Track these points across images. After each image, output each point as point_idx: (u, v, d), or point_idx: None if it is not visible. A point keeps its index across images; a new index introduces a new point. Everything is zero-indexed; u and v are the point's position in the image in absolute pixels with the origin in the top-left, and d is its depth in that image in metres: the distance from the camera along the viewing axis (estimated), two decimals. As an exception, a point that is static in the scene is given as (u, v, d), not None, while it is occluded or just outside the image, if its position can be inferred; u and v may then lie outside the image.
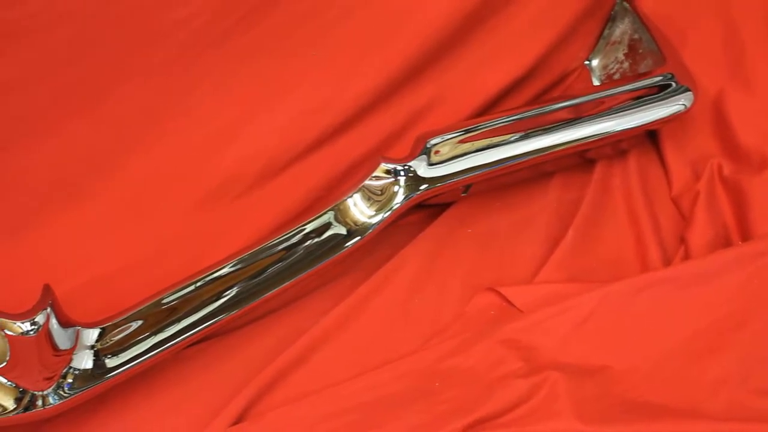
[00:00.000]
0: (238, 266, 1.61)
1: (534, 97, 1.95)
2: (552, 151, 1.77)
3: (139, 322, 1.55)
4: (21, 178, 1.66)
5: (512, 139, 1.75)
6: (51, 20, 1.57)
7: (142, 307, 1.56)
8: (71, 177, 1.69)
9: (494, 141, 1.74)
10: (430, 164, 1.69)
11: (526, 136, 1.75)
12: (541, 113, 1.78)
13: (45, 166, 1.67)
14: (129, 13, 1.63)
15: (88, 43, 1.62)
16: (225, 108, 1.74)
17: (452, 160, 1.70)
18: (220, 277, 1.60)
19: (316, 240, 1.64)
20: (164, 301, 1.57)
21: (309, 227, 1.64)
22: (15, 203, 1.66)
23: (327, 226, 1.65)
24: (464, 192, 1.78)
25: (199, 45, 1.68)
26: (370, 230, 1.65)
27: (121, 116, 1.68)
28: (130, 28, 1.63)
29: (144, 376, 1.59)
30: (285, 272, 1.62)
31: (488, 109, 1.89)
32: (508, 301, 1.72)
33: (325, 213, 1.65)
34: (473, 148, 1.72)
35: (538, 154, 1.76)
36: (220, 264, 1.61)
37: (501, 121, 1.76)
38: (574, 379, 1.59)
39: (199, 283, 1.59)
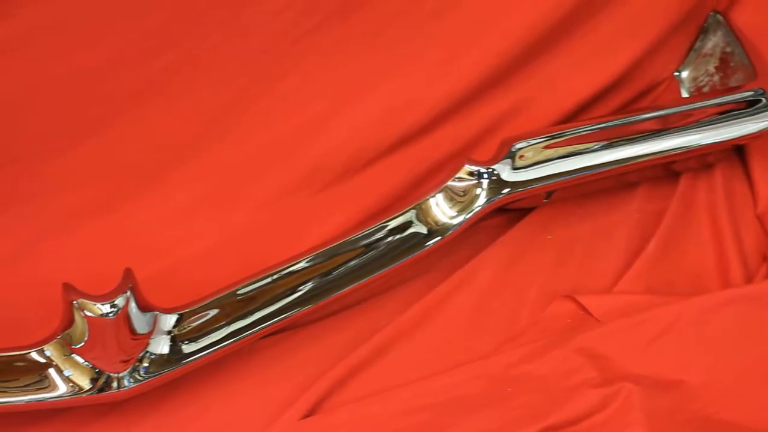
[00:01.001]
0: (317, 261, 1.61)
1: (621, 106, 1.93)
2: (636, 161, 1.75)
3: (216, 311, 1.56)
4: (109, 161, 1.69)
5: (597, 147, 1.74)
6: (143, 7, 1.58)
7: (219, 296, 1.56)
8: (157, 162, 1.71)
9: (579, 148, 1.72)
10: (514, 168, 1.68)
11: (611, 145, 1.74)
12: (627, 123, 1.77)
13: (132, 150, 1.70)
14: (225, 1, 1.63)
15: (181, 30, 1.64)
16: (312, 100, 1.75)
17: (536, 165, 1.70)
18: (298, 270, 1.60)
19: (396, 238, 1.64)
20: (240, 291, 1.58)
21: (390, 225, 1.64)
22: (102, 186, 1.69)
23: (408, 224, 1.65)
24: (546, 198, 1.77)
25: (291, 36, 1.69)
26: (451, 231, 1.65)
27: (211, 104, 1.70)
28: (225, 16, 1.64)
29: (218, 364, 1.60)
30: (364, 269, 1.62)
31: (574, 116, 1.87)
32: (586, 310, 1.71)
33: (407, 211, 1.65)
34: (558, 155, 1.71)
35: (623, 164, 1.74)
36: (299, 257, 1.61)
37: (587, 128, 1.75)
38: (649, 392, 1.57)
39: (275, 276, 1.59)
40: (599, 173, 1.74)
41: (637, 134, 1.75)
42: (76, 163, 1.67)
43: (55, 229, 1.68)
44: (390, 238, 1.64)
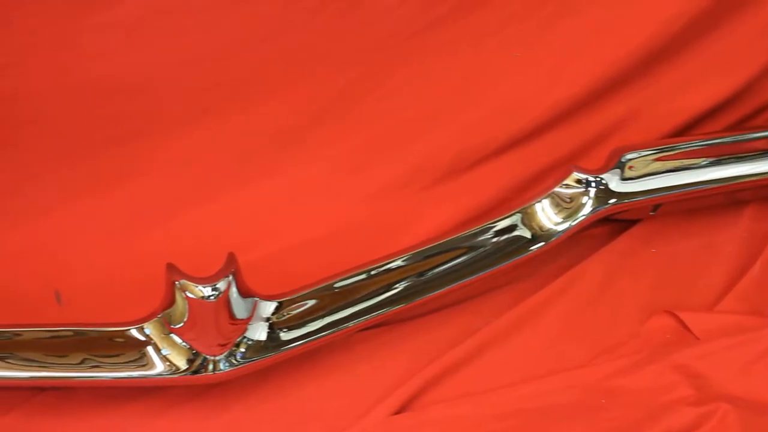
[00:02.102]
0: (417, 259, 1.61)
1: (736, 122, 1.90)
2: (746, 180, 1.73)
3: (314, 301, 1.56)
4: (218, 146, 1.71)
5: (707, 163, 1.71)
6: None
7: (318, 287, 1.57)
8: (265, 150, 1.73)
9: (689, 163, 1.71)
10: (623, 179, 1.66)
11: (722, 162, 1.71)
12: (739, 140, 1.75)
13: (241, 137, 1.72)
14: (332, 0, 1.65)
15: (298, 19, 1.65)
16: (421, 98, 1.75)
17: (645, 177, 1.68)
18: (397, 268, 1.61)
19: (499, 240, 1.63)
20: (340, 284, 1.58)
21: (495, 227, 1.64)
22: (210, 170, 1.72)
23: (512, 227, 1.64)
24: (653, 211, 1.74)
25: (404, 33, 1.69)
26: (555, 237, 1.64)
27: (321, 95, 1.71)
28: (342, 8, 1.65)
29: (311, 355, 1.61)
30: (464, 270, 1.62)
31: (686, 130, 1.84)
32: (686, 326, 1.68)
33: (512, 214, 1.64)
34: (667, 168, 1.70)
35: (732, 182, 1.72)
36: (399, 254, 1.61)
37: (698, 143, 1.73)
38: (746, 414, 1.54)
39: (374, 272, 1.60)
40: (708, 190, 1.72)
41: (749, 153, 1.73)
42: (186, 147, 1.69)
43: (161, 209, 1.71)
44: (493, 241, 1.63)
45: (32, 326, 1.53)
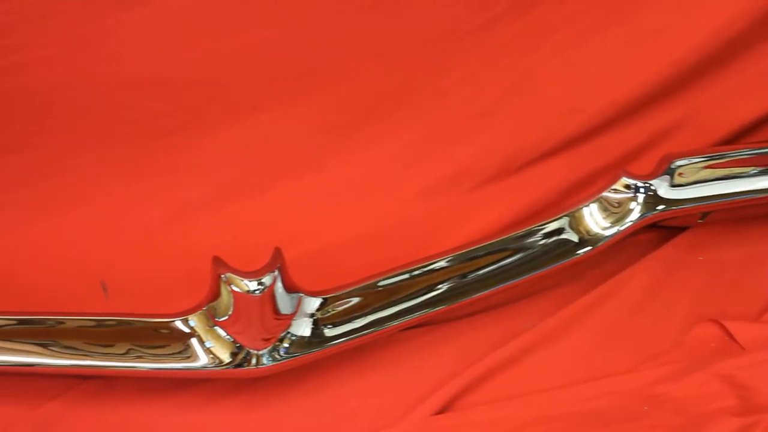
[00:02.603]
0: (463, 259, 1.61)
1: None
2: (797, 190, 1.71)
3: (359, 299, 1.57)
4: (266, 140, 1.72)
5: (758, 172, 1.70)
6: None
7: (363, 285, 1.57)
8: (314, 146, 1.73)
9: (739, 172, 1.70)
10: (672, 185, 1.65)
11: (773, 172, 1.70)
12: (791, 149, 1.72)
13: (289, 132, 1.73)
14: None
15: (352, 14, 1.65)
16: (473, 98, 1.75)
17: (694, 184, 1.67)
18: (444, 268, 1.61)
19: (546, 243, 1.63)
20: (385, 282, 1.58)
21: (542, 229, 1.64)
22: (257, 164, 1.73)
23: (560, 231, 1.64)
24: (701, 219, 1.73)
25: (458, 31, 1.69)
26: (602, 242, 1.64)
27: (372, 91, 1.72)
28: (394, 9, 1.65)
29: (354, 352, 1.61)
30: (510, 271, 1.62)
31: (738, 137, 1.83)
32: (731, 336, 1.67)
33: (560, 217, 1.64)
34: (717, 176, 1.69)
35: (783, 192, 1.70)
36: (445, 254, 1.62)
37: (749, 152, 1.71)
38: (790, 427, 1.53)
39: (419, 271, 1.60)
40: (757, 199, 1.70)
41: (804, 163, 1.71)
42: (233, 140, 1.71)
43: (207, 202, 1.72)
44: (540, 243, 1.63)
45: (76, 315, 1.54)
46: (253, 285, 1.44)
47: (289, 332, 1.52)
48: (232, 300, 1.46)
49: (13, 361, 1.51)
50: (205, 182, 1.71)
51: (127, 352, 1.51)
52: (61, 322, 1.53)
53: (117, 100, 1.63)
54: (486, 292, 1.61)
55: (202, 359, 1.51)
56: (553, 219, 1.64)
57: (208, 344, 1.51)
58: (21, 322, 1.53)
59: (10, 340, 1.51)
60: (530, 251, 1.63)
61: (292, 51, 1.65)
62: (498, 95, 1.75)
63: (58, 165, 1.68)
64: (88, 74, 1.60)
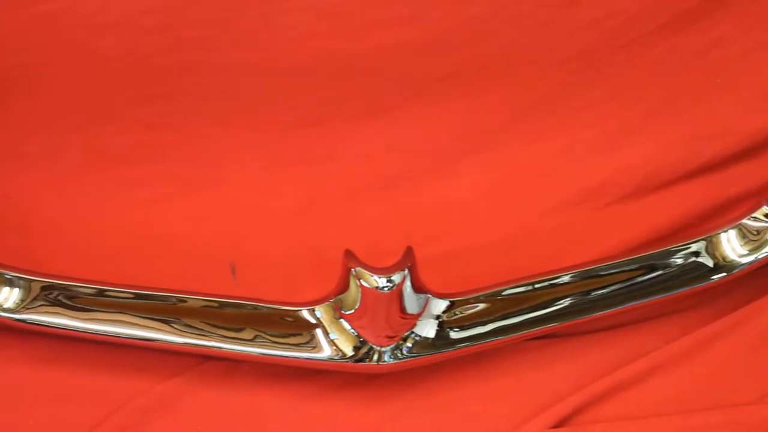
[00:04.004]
0: (593, 274, 1.60)
1: None
2: None
3: (485, 305, 1.56)
4: (403, 139, 1.73)
5: None
6: None
7: (490, 291, 1.57)
8: (452, 149, 1.73)
9: None
10: (815, 218, 1.62)
11: None
12: None
13: (426, 134, 1.73)
14: (539, 7, 1.63)
15: (498, 24, 1.64)
16: (617, 113, 1.73)
17: (837, 218, 1.63)
18: (571, 282, 1.60)
19: (680, 266, 1.61)
20: (506, 292, 1.58)
21: (679, 251, 1.62)
22: (393, 162, 1.73)
23: (695, 254, 1.61)
24: (841, 253, 1.69)
25: (609, 45, 1.67)
26: (737, 269, 1.61)
27: (516, 100, 1.71)
28: (548, 18, 1.64)
29: (475, 358, 1.60)
30: (640, 290, 1.60)
31: None
32: None
33: (696, 241, 1.62)
34: None
35: None
36: (575, 268, 1.61)
37: None
38: None
39: (548, 283, 1.60)
40: None
41: None
42: (371, 136, 1.71)
43: (341, 195, 1.73)
44: (675, 265, 1.61)
45: (200, 294, 1.56)
46: (382, 281, 1.44)
47: (413, 332, 1.52)
48: (359, 294, 1.46)
49: (134, 335, 1.54)
50: (340, 175, 1.72)
51: (254, 339, 1.52)
52: (182, 300, 1.55)
53: (260, 87, 1.64)
54: (614, 309, 1.60)
55: (326, 351, 1.52)
56: (690, 242, 1.62)
57: (332, 336, 1.52)
58: (139, 296, 1.55)
59: (131, 314, 1.54)
60: (663, 272, 1.60)
61: (438, 51, 1.65)
62: (643, 112, 1.73)
63: (194, 144, 1.70)
64: (237, 59, 1.61)
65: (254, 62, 1.62)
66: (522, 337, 1.58)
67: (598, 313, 1.59)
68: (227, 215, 1.72)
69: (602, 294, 1.60)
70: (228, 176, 1.71)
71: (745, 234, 1.62)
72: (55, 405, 1.57)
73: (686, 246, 1.62)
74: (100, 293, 1.54)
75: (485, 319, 1.56)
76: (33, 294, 1.52)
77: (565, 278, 1.59)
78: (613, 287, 1.60)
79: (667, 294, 1.60)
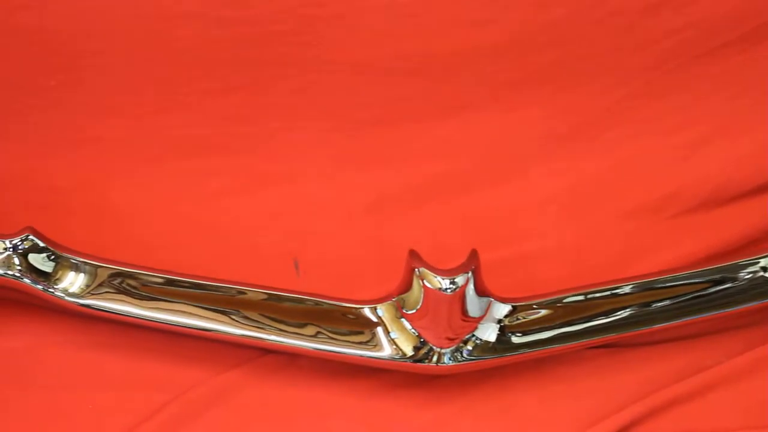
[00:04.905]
0: (658, 285, 1.59)
1: None
2: None
3: (547, 311, 1.56)
4: (471, 141, 1.72)
5: None
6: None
7: (553, 297, 1.56)
8: (521, 154, 1.73)
9: None
10: None
11: None
12: None
13: (495, 136, 1.72)
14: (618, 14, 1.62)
15: (571, 28, 1.63)
16: (690, 125, 1.72)
17: None
18: (636, 292, 1.59)
19: (748, 280, 1.59)
20: (567, 299, 1.57)
21: (747, 266, 1.60)
22: (460, 165, 1.73)
23: (763, 269, 1.59)
24: None
25: (684, 56, 1.66)
26: (805, 286, 1.59)
27: (584, 107, 1.70)
28: (621, 28, 1.63)
29: (534, 363, 1.60)
30: (707, 303, 1.59)
31: None
32: None
33: (765, 256, 1.60)
34: None
35: None
36: (639, 279, 1.59)
37: None
38: None
39: (611, 292, 1.58)
40: None
41: None
42: (442, 137, 1.71)
43: (408, 196, 1.73)
44: (743, 279, 1.59)
45: (261, 287, 1.57)
46: (445, 283, 1.44)
47: (474, 335, 1.51)
48: (422, 295, 1.46)
49: (194, 325, 1.55)
50: (410, 175, 1.72)
51: (315, 335, 1.53)
52: (242, 292, 1.56)
53: (335, 85, 1.65)
54: (677, 321, 1.58)
55: (386, 350, 1.52)
56: (757, 257, 1.60)
57: (393, 335, 1.52)
58: (199, 287, 1.56)
59: (192, 304, 1.55)
60: (730, 286, 1.59)
61: (514, 55, 1.64)
62: (716, 124, 1.71)
63: (267, 139, 1.71)
64: (314, 56, 1.62)
65: (330, 59, 1.62)
66: (583, 345, 1.57)
67: (660, 325, 1.58)
68: (295, 210, 1.72)
69: (665, 305, 1.58)
70: (299, 171, 1.71)
71: (814, 251, 1.60)
72: (114, 390, 1.58)
73: (755, 261, 1.60)
74: (165, 282, 1.55)
75: (546, 326, 1.55)
76: (99, 280, 1.53)
77: (628, 288, 1.57)
78: (677, 299, 1.58)
79: (733, 308, 1.59)
